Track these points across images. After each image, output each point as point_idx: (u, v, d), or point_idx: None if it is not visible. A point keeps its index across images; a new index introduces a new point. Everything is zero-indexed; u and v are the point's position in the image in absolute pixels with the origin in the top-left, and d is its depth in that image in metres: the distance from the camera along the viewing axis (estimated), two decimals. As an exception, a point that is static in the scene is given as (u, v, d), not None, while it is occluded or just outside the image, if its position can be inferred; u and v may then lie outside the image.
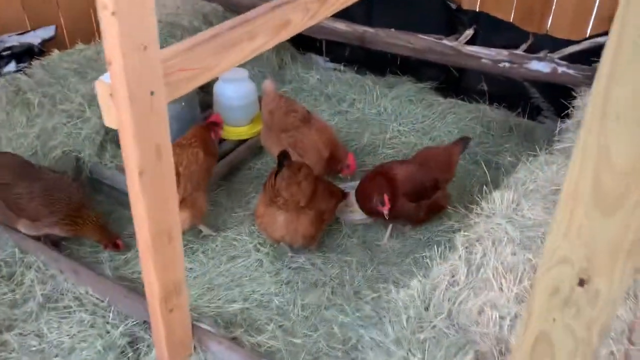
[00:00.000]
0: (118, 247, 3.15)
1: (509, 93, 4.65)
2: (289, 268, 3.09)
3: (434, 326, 2.09)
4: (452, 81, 4.85)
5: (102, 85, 1.82)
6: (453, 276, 2.27)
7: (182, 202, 3.06)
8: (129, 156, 1.91)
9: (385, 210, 2.96)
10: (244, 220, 3.45)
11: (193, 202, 3.12)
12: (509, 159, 4.00)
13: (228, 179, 3.87)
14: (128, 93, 1.77)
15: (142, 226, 2.08)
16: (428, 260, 2.58)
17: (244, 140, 4.05)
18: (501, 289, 2.18)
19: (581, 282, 1.22)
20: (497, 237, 2.43)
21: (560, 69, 3.65)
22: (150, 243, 2.11)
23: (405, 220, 3.23)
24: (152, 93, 1.85)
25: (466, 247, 2.41)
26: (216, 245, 3.26)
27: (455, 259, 2.36)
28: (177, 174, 3.03)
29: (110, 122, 1.88)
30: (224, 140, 4.06)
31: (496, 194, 2.71)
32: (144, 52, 1.76)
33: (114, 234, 3.17)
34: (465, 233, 2.49)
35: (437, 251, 2.49)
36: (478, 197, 3.55)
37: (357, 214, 3.55)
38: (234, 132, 4.08)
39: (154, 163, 1.98)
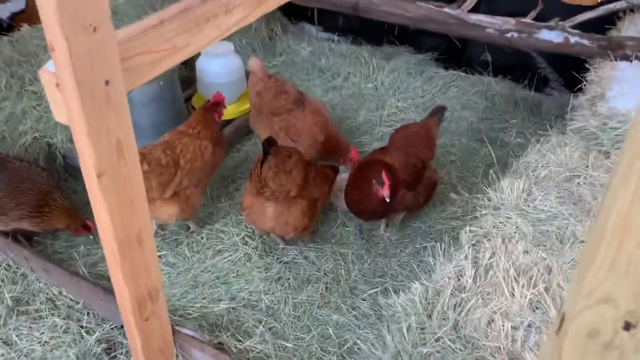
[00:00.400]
0: (89, 229, 2.90)
1: (515, 63, 4.35)
2: (280, 262, 2.86)
3: (438, 339, 1.86)
4: (454, 51, 4.54)
5: (46, 75, 1.54)
6: (459, 279, 2.04)
7: (175, 196, 2.81)
8: (84, 157, 1.65)
9: (386, 191, 2.62)
10: (231, 210, 3.20)
11: (187, 198, 2.86)
12: (517, 139, 3.74)
13: (214, 163, 3.61)
14: (76, 84, 1.49)
15: (106, 233, 1.83)
16: (430, 257, 2.35)
17: (231, 120, 3.77)
18: (513, 295, 1.94)
19: (627, 326, 0.98)
20: (507, 232, 2.19)
21: (572, 39, 3.34)
22: (116, 250, 1.87)
23: (407, 210, 2.96)
24: (107, 82, 1.57)
25: (473, 245, 2.17)
26: (201, 238, 3.02)
27: (460, 258, 2.12)
28: (176, 165, 2.77)
29: (60, 117, 1.61)
30: (210, 120, 3.78)
31: (505, 182, 2.45)
32: (93, 34, 1.48)
33: (82, 216, 2.92)
34: (472, 228, 2.25)
35: (441, 248, 2.26)
36: (484, 182, 3.35)
37: (352, 200, 3.30)
38: (220, 111, 3.79)
39: (115, 162, 1.72)
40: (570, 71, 4.19)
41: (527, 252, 2.09)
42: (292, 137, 3.26)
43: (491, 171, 2.93)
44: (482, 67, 4.42)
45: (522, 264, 2.04)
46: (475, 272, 2.03)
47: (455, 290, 2.00)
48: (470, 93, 4.08)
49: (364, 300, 2.69)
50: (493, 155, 3.25)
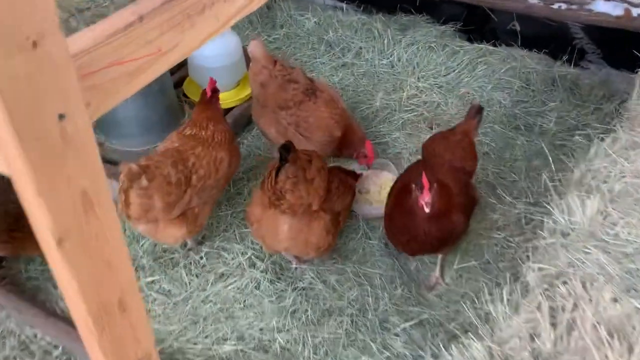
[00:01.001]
0: None
1: (547, 34, 3.82)
2: (295, 289, 2.42)
3: None
4: (477, 20, 4.00)
5: (-31, 111, 1.04)
6: (533, 339, 1.61)
7: (182, 216, 2.35)
8: (36, 219, 1.17)
9: (427, 198, 2.07)
10: (233, 220, 2.74)
11: (195, 217, 2.41)
12: (558, 126, 3.26)
13: (211, 161, 3.12)
14: (12, 124, 1.00)
15: (76, 307, 1.37)
16: (484, 292, 1.92)
17: (230, 109, 3.26)
18: (607, 364, 1.52)
19: None
20: (587, 273, 1.74)
21: (635, 11, 2.81)
22: (92, 324, 1.41)
23: (455, 239, 2.38)
24: (60, 116, 1.08)
25: (545, 290, 1.72)
26: (200, 258, 2.57)
27: (531, 308, 1.68)
28: (187, 183, 2.32)
29: (-4, 167, 1.12)
30: (204, 110, 3.27)
31: (572, 199, 1.99)
32: (33, 50, 0.98)
33: None
34: (541, 265, 1.80)
35: (500, 291, 1.81)
36: (528, 182, 2.89)
37: (376, 205, 2.85)
38: (216, 99, 3.28)
39: (82, 221, 1.23)
40: (610, 43, 3.71)
41: (618, 300, 1.65)
42: (304, 134, 2.77)
43: (544, 177, 2.48)
44: (509, 36, 3.90)
45: (613, 318, 1.61)
46: (554, 332, 1.59)
47: (530, 356, 1.57)
48: (501, 71, 3.57)
49: (397, 335, 2.26)
50: (544, 147, 2.78)
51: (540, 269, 1.78)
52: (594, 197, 1.96)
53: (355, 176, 2.69)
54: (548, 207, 2.06)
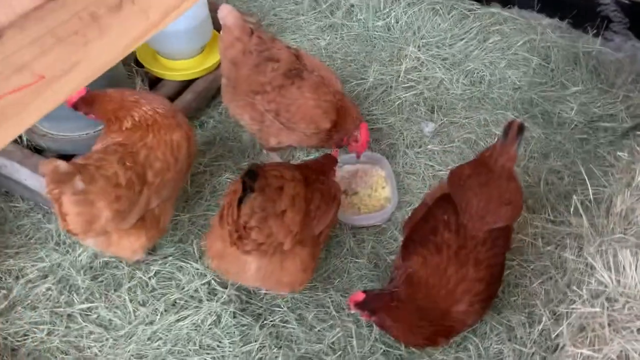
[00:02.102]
0: None
1: (568, -1, 3.28)
2: (263, 327, 1.97)
3: None
4: (491, -23, 3.41)
5: None
6: None
7: (140, 222, 1.92)
8: None
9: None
10: (192, 227, 2.26)
11: (155, 220, 1.97)
12: (580, 116, 2.78)
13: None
14: None
15: None
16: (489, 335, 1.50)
17: (190, 82, 2.69)
18: None
19: None
20: (646, 369, 1.32)
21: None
22: None
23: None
24: None
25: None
26: (149, 278, 2.09)
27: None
28: (142, 182, 1.87)
29: None
30: (161, 81, 2.70)
31: (624, 256, 1.54)
32: None
33: None
34: (581, 351, 1.37)
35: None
36: (550, 197, 2.43)
37: (365, 211, 2.38)
38: (175, 67, 2.70)
39: None
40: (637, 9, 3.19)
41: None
42: (285, 123, 2.24)
43: (574, 199, 2.02)
44: (526, 1, 3.33)
45: None
46: None
47: None
48: (517, 44, 3.02)
49: (388, 391, 1.86)
50: (566, 145, 2.30)
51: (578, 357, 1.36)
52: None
53: (331, 162, 2.17)
54: (594, 265, 1.60)
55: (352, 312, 1.85)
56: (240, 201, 1.62)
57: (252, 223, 1.63)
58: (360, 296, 1.76)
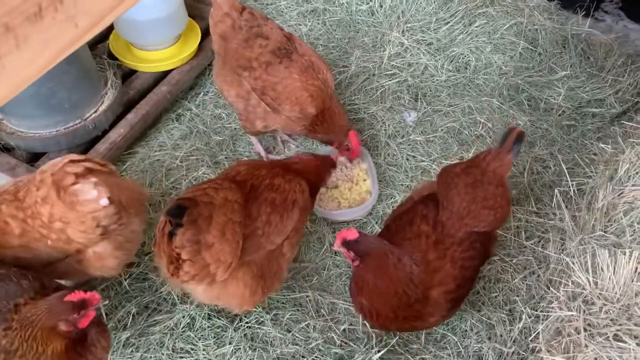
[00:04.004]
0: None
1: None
2: (238, 328, 1.93)
3: None
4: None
5: None
6: None
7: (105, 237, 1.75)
8: None
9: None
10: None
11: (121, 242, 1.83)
12: (568, 102, 2.70)
13: (141, 143, 2.52)
14: None
15: None
16: (470, 333, 1.46)
17: (167, 72, 2.61)
18: None
19: None
20: (621, 378, 1.28)
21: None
22: None
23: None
24: None
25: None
26: (120, 283, 2.04)
27: None
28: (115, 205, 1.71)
29: None
30: (135, 72, 2.62)
31: (602, 257, 1.49)
32: None
33: None
34: (556, 359, 1.32)
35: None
36: (530, 182, 2.37)
37: (345, 205, 2.32)
38: (149, 58, 2.61)
39: None
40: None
41: None
42: (271, 104, 2.18)
43: (556, 192, 1.96)
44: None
45: None
46: None
47: None
48: (503, 27, 2.93)
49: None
50: (551, 131, 2.23)
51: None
52: (631, 253, 1.46)
53: (326, 165, 2.09)
54: (572, 267, 1.55)
55: (335, 249, 1.66)
56: (171, 235, 1.55)
57: (184, 256, 1.55)
58: (354, 234, 1.61)
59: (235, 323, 1.94)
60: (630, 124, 2.15)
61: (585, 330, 1.36)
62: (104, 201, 1.62)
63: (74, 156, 1.67)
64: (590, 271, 1.47)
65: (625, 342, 1.30)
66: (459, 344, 1.91)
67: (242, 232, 1.64)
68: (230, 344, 1.88)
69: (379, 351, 1.86)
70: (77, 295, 1.45)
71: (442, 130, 2.59)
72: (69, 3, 0.85)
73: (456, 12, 3.02)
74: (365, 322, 1.92)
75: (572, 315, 1.42)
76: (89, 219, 1.63)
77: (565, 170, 2.05)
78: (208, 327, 1.92)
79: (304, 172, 1.96)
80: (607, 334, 1.32)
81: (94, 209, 1.62)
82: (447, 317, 1.76)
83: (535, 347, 1.50)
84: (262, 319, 1.95)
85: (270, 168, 1.87)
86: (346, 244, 1.62)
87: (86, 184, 1.61)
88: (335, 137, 2.26)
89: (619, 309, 1.39)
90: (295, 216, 1.83)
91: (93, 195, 1.60)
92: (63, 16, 0.87)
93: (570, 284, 1.48)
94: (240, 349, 1.88)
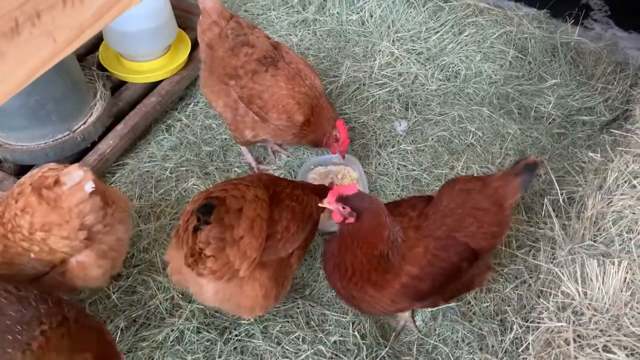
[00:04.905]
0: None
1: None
2: (227, 341, 1.91)
3: None
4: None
5: None
6: None
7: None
8: None
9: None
10: (158, 236, 2.18)
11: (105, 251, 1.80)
12: (558, 111, 2.71)
13: (130, 154, 2.51)
14: None
15: None
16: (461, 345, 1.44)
17: (157, 83, 2.60)
18: None
19: None
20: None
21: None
22: None
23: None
24: None
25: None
26: (107, 296, 2.02)
27: None
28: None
29: None
30: (124, 84, 2.61)
31: (591, 267, 1.48)
32: None
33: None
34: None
35: None
36: (524, 196, 2.37)
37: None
38: (139, 69, 2.61)
39: None
40: None
41: None
42: (258, 113, 2.17)
43: (546, 202, 1.96)
44: (503, -12, 3.26)
45: None
46: None
47: None
48: (493, 36, 2.95)
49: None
50: (542, 139, 2.24)
51: (546, 376, 1.30)
52: (620, 264, 1.45)
53: (323, 191, 2.08)
54: (561, 278, 1.54)
55: (324, 205, 1.62)
56: (196, 229, 1.55)
57: (207, 252, 1.55)
58: (354, 188, 1.59)
59: (225, 335, 1.92)
60: (619, 132, 2.16)
61: (574, 341, 1.35)
62: (90, 185, 1.59)
63: (53, 165, 1.66)
64: (579, 281, 1.47)
65: (614, 353, 1.29)
66: (450, 355, 1.90)
67: (267, 231, 1.64)
68: (219, 357, 1.86)
69: (370, 363, 1.85)
70: None
71: (432, 139, 2.59)
72: (47, 18, 0.84)
73: (446, 21, 3.03)
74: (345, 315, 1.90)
75: (561, 326, 1.41)
76: (74, 216, 1.60)
77: (555, 180, 2.05)
78: (197, 340, 1.90)
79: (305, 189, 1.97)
80: (596, 345, 1.31)
81: (80, 199, 1.59)
82: (394, 306, 1.70)
83: (526, 358, 1.49)
84: (252, 332, 1.94)
85: (290, 181, 1.92)
86: (343, 199, 1.59)
87: (71, 168, 1.60)
88: (325, 130, 2.24)
89: (609, 319, 1.38)
90: (309, 229, 1.86)
91: (79, 176, 1.58)
92: (40, 31, 0.87)
93: (559, 294, 1.48)
94: (229, 362, 1.86)
